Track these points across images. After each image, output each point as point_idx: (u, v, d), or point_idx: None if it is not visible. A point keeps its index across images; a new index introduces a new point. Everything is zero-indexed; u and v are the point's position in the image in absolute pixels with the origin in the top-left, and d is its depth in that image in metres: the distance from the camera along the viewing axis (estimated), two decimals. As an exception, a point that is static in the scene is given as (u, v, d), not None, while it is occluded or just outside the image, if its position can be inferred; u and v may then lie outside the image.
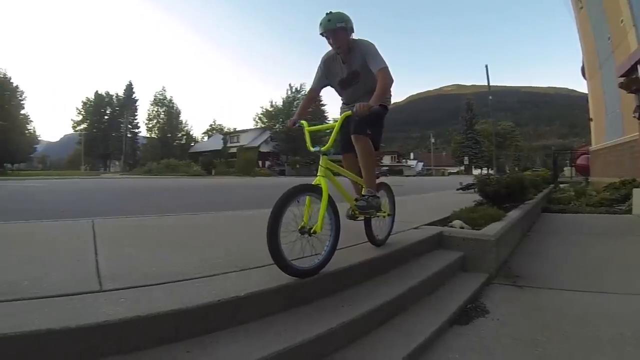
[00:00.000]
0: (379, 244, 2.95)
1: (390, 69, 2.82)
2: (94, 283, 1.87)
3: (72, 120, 67.00)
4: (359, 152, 2.87)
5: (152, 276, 1.99)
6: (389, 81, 2.80)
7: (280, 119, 56.70)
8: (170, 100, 65.66)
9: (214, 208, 6.05)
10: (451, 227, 3.95)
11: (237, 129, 63.16)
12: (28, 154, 49.96)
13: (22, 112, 47.51)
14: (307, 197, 2.26)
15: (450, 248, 3.57)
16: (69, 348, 1.37)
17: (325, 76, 3.09)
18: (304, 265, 2.11)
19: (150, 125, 64.17)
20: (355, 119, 2.62)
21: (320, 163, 2.48)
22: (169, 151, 55.08)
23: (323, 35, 2.84)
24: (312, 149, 2.57)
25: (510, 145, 71.76)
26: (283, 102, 60.25)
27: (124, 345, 1.46)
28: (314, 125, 2.83)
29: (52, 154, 71.77)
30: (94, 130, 61.81)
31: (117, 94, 66.06)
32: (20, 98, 46.88)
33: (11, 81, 45.69)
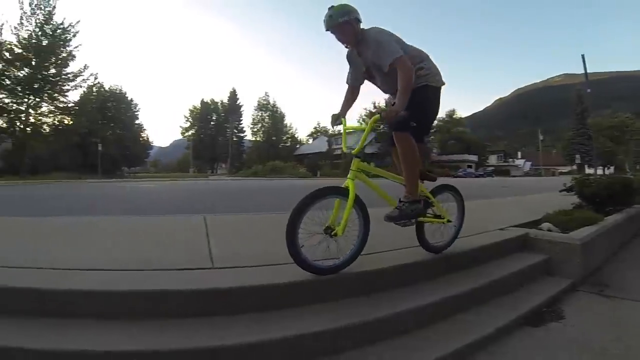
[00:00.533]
0: (435, 250, 2.82)
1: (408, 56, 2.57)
2: (207, 262, 2.37)
3: (180, 127, 74.13)
4: (399, 151, 2.66)
5: (251, 259, 2.41)
6: (408, 72, 2.52)
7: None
8: (274, 105, 69.47)
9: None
10: (539, 229, 3.89)
11: (341, 131, 64.34)
12: (143, 158, 56.59)
13: (137, 121, 54.23)
14: (336, 200, 2.30)
15: (535, 251, 3.54)
16: (185, 304, 1.92)
17: (352, 71, 2.92)
18: (326, 263, 2.23)
19: (255, 129, 68.50)
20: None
21: (351, 165, 2.46)
22: (275, 153, 58.12)
23: (329, 32, 2.66)
24: (345, 150, 2.63)
25: (630, 140, 62.25)
26: (386, 103, 60.15)
27: (230, 308, 1.90)
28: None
29: (163, 157, 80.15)
30: (201, 136, 67.71)
31: (222, 100, 71.75)
32: (134, 109, 53.85)
33: (126, 95, 52.82)
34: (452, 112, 73.54)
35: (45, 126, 35.35)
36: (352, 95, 3.00)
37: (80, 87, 37.18)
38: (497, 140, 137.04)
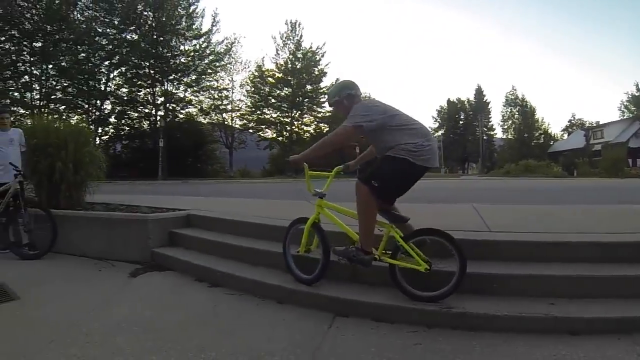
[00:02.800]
0: (423, 299, 2.94)
1: (351, 128, 3.08)
2: (485, 228, 4.15)
3: (430, 127, 76.83)
4: (356, 201, 3.05)
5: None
6: (334, 140, 3.16)
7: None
8: (523, 99, 65.04)
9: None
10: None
11: (599, 123, 55.24)
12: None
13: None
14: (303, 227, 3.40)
15: None
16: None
17: None
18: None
19: (505, 127, 65.84)
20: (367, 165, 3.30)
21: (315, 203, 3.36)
22: (528, 151, 54.70)
23: None
24: (312, 192, 3.43)
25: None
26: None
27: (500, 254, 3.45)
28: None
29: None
30: (451, 135, 68.71)
31: (468, 99, 71.25)
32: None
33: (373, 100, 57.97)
34: None
35: (306, 134, 44.37)
36: (369, 152, 3.58)
37: None
38: None
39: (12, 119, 6.16)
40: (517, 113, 64.46)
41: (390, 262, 2.98)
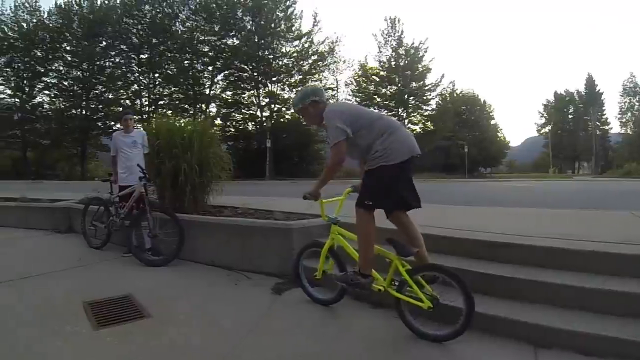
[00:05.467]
0: (429, 338, 2.77)
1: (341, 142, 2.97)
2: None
3: (535, 123, 71.55)
4: (356, 225, 3.06)
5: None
6: (334, 161, 3.05)
7: None
8: None
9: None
10: None
11: None
12: (499, 159, 58.35)
13: (492, 122, 56.13)
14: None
15: None
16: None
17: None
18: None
19: (623, 120, 58.52)
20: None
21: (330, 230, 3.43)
22: None
23: None
24: (325, 220, 3.43)
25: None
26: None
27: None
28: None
29: (516, 157, 78.88)
30: (559, 132, 63.30)
31: (577, 90, 64.83)
32: (488, 110, 55.91)
33: (478, 97, 56.03)
34: None
35: (414, 131, 42.62)
36: (362, 167, 3.29)
37: (441, 95, 44.66)
38: None
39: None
40: (637, 104, 56.58)
41: (395, 296, 2.92)
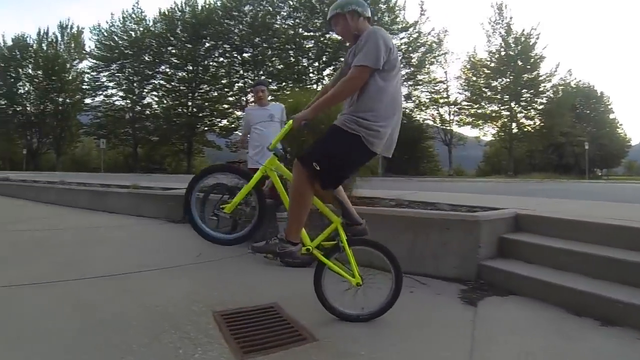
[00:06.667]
0: (342, 316, 2.63)
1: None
2: None
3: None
4: (291, 182, 2.58)
5: None
6: (351, 83, 2.42)
7: None
8: None
9: None
10: None
11: None
12: (618, 158, 52.44)
13: (611, 116, 50.71)
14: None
15: None
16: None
17: (341, 73, 2.75)
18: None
19: None
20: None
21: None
22: None
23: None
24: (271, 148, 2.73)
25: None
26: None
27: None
28: None
29: (636, 158, 70.80)
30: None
31: None
32: (607, 103, 50.56)
33: (594, 89, 51.40)
34: None
35: (527, 128, 40.62)
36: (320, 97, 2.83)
37: (557, 86, 41.07)
38: None
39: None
40: None
41: (322, 260, 2.62)
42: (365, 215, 4.14)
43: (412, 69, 39.26)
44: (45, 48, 47.78)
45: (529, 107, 40.35)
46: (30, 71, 47.99)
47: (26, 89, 48.72)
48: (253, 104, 5.13)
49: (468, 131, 43.09)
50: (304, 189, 2.47)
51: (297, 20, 39.53)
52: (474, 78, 41.06)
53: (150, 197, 7.71)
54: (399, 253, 3.82)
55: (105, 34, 44.00)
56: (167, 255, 4.43)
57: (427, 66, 39.77)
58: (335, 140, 2.48)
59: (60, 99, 47.59)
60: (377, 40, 2.41)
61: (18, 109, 48.62)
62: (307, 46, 39.72)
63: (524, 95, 39.52)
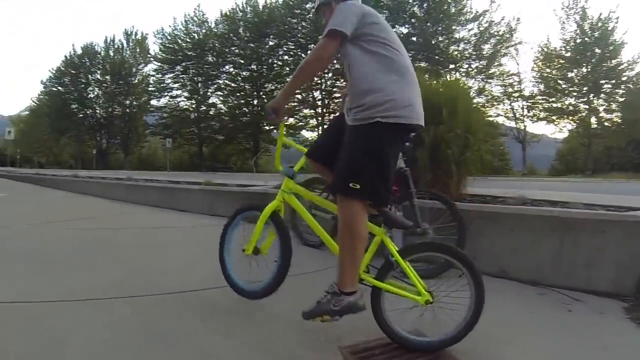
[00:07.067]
0: (410, 346, 2.01)
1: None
2: None
3: None
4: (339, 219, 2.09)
5: None
6: (312, 54, 2.08)
7: None
8: None
9: None
10: None
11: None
12: None
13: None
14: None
15: None
16: None
17: None
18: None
19: None
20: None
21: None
22: None
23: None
24: (280, 169, 2.57)
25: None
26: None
27: None
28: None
29: None
30: None
31: None
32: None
33: None
34: None
35: (607, 122, 37.75)
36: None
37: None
38: None
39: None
40: None
41: (375, 285, 2.09)
42: (498, 216, 3.53)
43: (483, 62, 37.72)
44: (112, 54, 51.08)
45: (609, 100, 37.20)
46: (98, 77, 51.57)
47: (95, 93, 52.49)
48: None
49: (540, 128, 40.30)
50: (355, 222, 2.01)
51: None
52: (548, 70, 38.57)
53: (225, 194, 6.92)
54: (539, 261, 3.28)
55: (169, 37, 45.74)
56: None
57: (499, 58, 38.04)
58: (357, 145, 2.05)
59: (127, 102, 50.70)
60: (344, 7, 2.14)
61: (88, 112, 52.20)
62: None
63: (604, 87, 36.61)
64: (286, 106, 2.31)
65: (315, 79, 35.99)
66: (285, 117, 2.52)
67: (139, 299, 2.65)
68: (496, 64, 38.25)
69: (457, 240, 3.35)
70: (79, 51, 51.47)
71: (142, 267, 3.49)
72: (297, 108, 42.07)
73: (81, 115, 52.26)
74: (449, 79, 7.90)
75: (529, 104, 39.47)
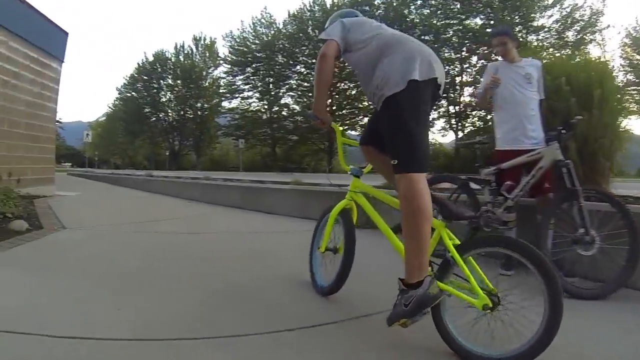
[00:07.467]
0: (466, 356, 1.77)
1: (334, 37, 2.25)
2: None
3: None
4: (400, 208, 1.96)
5: None
6: (319, 63, 2.23)
7: None
8: None
9: None
10: None
11: None
12: None
13: None
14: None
15: None
16: None
17: None
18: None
19: None
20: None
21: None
22: None
23: None
24: (346, 169, 2.62)
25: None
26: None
27: None
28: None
29: None
30: None
31: None
32: None
33: None
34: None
35: None
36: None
37: None
38: None
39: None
40: None
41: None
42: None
43: (567, 51, 34.34)
44: (182, 60, 53.06)
45: None
46: (170, 81, 53.90)
47: (167, 97, 54.92)
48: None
49: (632, 124, 36.02)
50: (419, 197, 1.82)
51: (432, 9, 37.60)
52: (638, 57, 35.54)
53: (318, 195, 6.23)
54: None
55: (238, 40, 46.70)
56: (378, 278, 2.86)
57: (584, 46, 34.74)
58: (392, 120, 1.95)
59: (199, 104, 52.49)
60: (334, 19, 2.48)
61: (160, 116, 54.76)
62: (446, 34, 37.18)
63: None
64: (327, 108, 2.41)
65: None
66: (331, 120, 2.52)
67: (234, 340, 1.89)
68: (582, 52, 34.77)
69: (629, 250, 2.83)
70: (151, 58, 54.21)
71: (234, 287, 2.74)
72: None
73: (154, 119, 54.91)
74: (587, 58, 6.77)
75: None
